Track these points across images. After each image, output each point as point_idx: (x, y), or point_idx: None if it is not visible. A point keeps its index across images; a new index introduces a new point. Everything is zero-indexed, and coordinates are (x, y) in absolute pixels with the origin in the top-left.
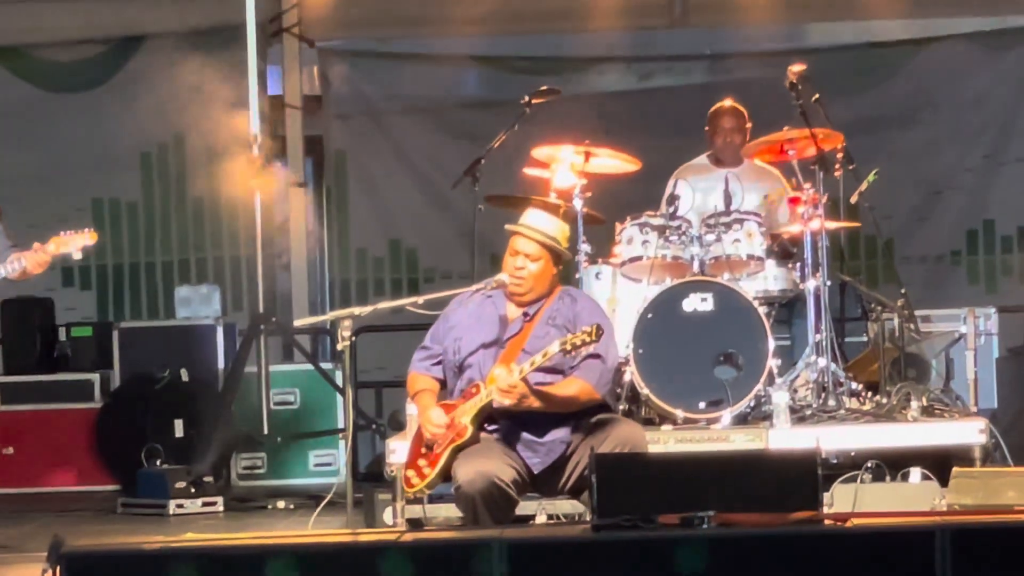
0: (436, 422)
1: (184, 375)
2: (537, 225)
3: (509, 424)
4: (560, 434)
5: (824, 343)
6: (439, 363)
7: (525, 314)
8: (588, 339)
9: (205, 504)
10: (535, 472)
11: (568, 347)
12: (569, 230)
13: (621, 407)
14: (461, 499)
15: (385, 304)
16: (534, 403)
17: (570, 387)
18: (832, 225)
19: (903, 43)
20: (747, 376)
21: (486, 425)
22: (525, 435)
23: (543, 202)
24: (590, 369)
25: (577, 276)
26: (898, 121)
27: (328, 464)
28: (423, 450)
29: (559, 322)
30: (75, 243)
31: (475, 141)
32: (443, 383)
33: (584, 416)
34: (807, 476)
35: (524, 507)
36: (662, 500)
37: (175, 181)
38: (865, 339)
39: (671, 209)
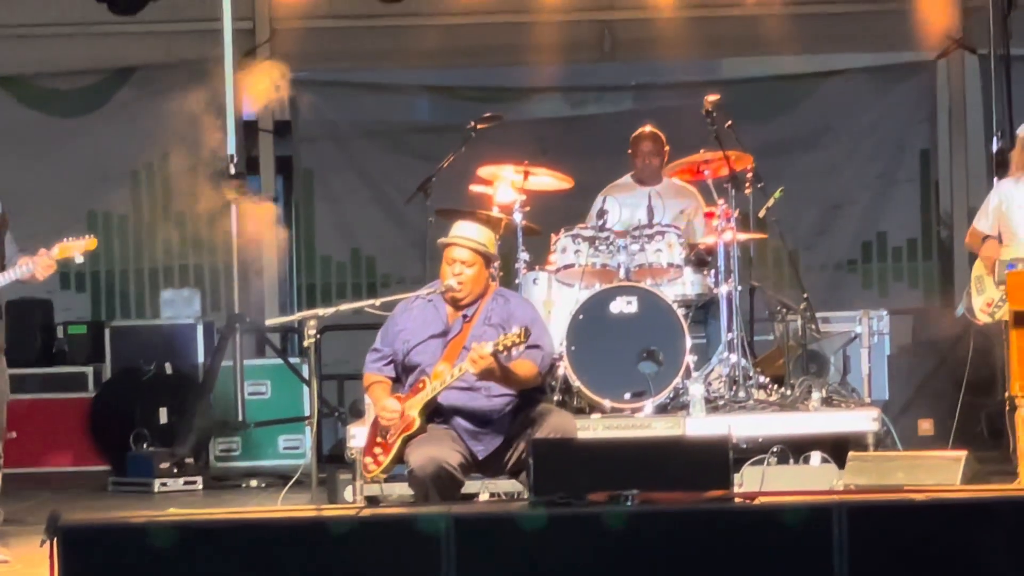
0: (391, 409)
1: (168, 368)
2: (467, 235)
3: (455, 417)
4: (500, 425)
5: (735, 341)
6: (390, 363)
7: (464, 316)
8: (518, 340)
9: (186, 483)
10: (479, 458)
11: (500, 348)
12: (494, 235)
13: (556, 398)
14: (413, 481)
15: (346, 306)
16: (496, 376)
17: (523, 368)
18: (743, 236)
19: (806, 76)
20: (667, 370)
21: (435, 418)
22: (470, 426)
23: (471, 214)
24: (534, 355)
25: (517, 282)
26: (801, 145)
27: (296, 447)
28: (378, 439)
29: (495, 321)
30: (77, 248)
31: (427, 161)
32: (394, 380)
33: (522, 407)
34: (719, 459)
35: (470, 486)
36: (591, 480)
37: (161, 196)
38: (772, 338)
39: (600, 222)
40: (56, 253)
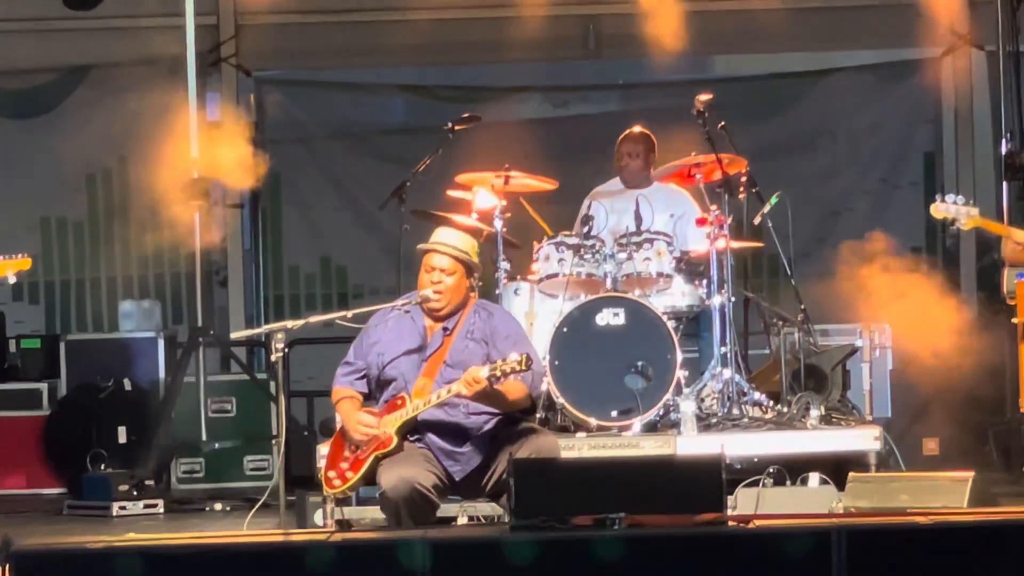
0: (367, 423)
1: (127, 384)
2: (448, 241)
3: (432, 436)
4: (479, 443)
5: (729, 355)
6: (363, 377)
7: (444, 328)
8: (518, 368)
9: (147, 506)
10: (456, 479)
11: (498, 373)
12: (476, 243)
13: (538, 415)
14: (385, 503)
15: (316, 318)
16: (488, 399)
17: (515, 391)
18: (736, 245)
19: (803, 74)
20: (656, 386)
21: (409, 436)
22: (447, 446)
23: (452, 219)
24: (524, 376)
25: (497, 292)
26: (799, 147)
27: (262, 469)
28: (346, 454)
29: (477, 336)
30: (10, 268)
31: (401, 165)
32: (366, 396)
33: (502, 426)
34: (712, 480)
35: (446, 509)
36: (576, 502)
37: (119, 202)
38: (767, 352)
39: (585, 229)
40: None
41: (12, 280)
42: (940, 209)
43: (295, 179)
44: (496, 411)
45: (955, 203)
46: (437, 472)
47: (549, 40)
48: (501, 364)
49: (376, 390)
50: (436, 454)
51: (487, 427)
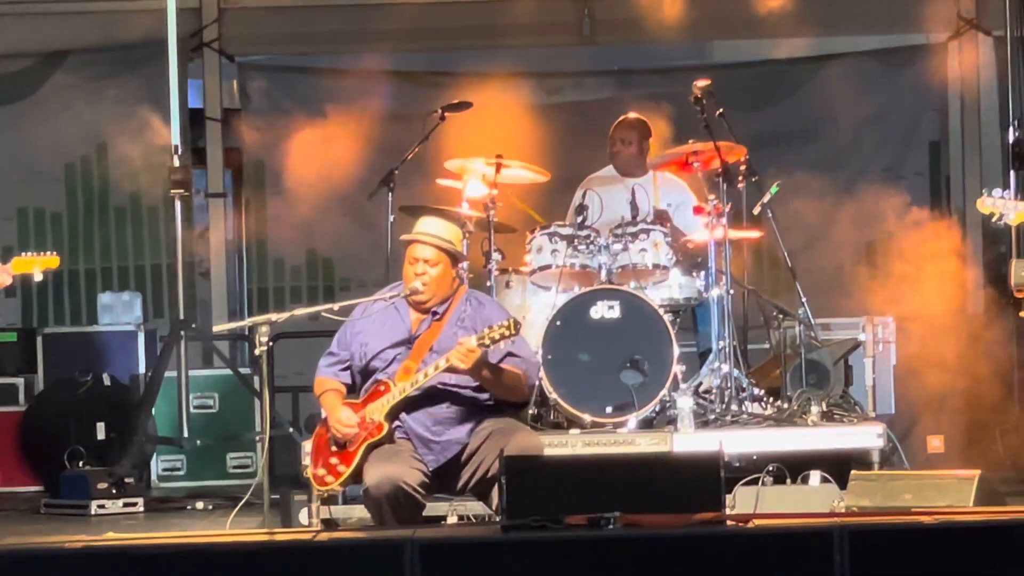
0: (347, 423)
1: (106, 379)
2: (432, 231)
3: (410, 422)
4: (457, 435)
5: (727, 350)
6: (347, 368)
7: (434, 313)
8: (507, 333)
9: (126, 505)
10: (429, 469)
11: (487, 341)
12: (460, 232)
13: (530, 411)
14: (369, 502)
15: (301, 311)
16: (485, 371)
17: (512, 374)
18: (735, 235)
19: (804, 60)
20: (652, 381)
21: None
22: (423, 433)
23: (438, 210)
24: (516, 364)
25: (488, 284)
26: (800, 135)
27: (245, 466)
28: (334, 448)
29: (467, 324)
30: (36, 264)
31: (390, 153)
32: (349, 387)
33: (483, 420)
34: (710, 478)
35: (436, 508)
36: (569, 501)
37: (98, 191)
38: (767, 346)
39: (579, 219)
40: (11, 268)
41: (38, 278)
42: (987, 203)
43: (280, 168)
44: (479, 403)
45: (1002, 197)
46: (422, 469)
47: (542, 25)
48: (488, 332)
49: (360, 381)
50: (414, 442)
51: (468, 421)
